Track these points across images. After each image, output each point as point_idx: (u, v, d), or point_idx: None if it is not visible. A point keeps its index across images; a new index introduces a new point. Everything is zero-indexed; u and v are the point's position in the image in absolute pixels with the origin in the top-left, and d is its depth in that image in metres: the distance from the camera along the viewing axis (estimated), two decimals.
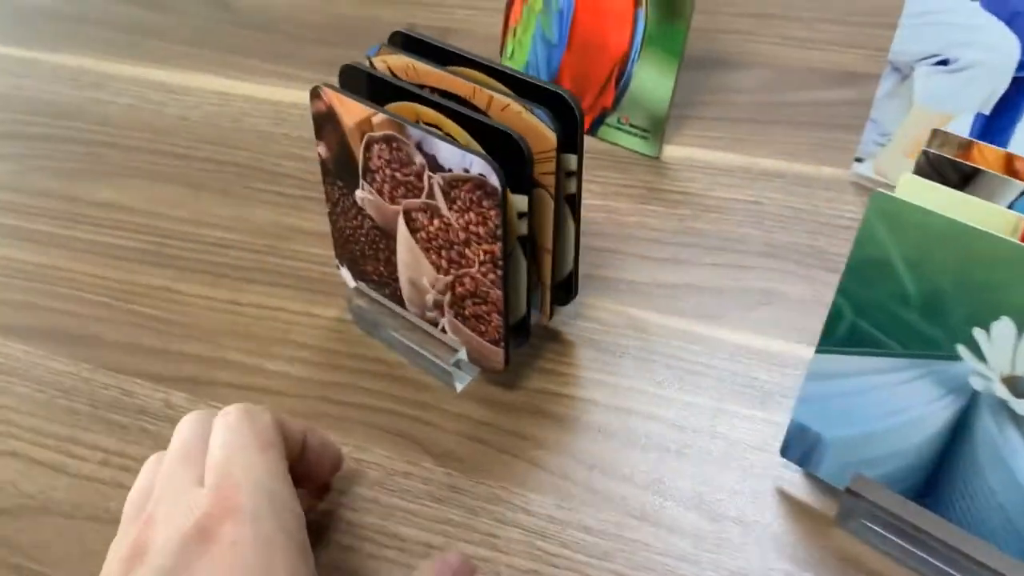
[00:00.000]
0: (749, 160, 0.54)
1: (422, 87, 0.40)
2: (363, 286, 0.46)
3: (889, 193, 0.31)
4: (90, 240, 0.53)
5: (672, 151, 0.55)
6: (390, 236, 0.42)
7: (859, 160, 0.51)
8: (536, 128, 0.37)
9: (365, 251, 0.44)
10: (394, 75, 0.41)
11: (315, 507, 0.39)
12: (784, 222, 0.50)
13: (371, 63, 0.42)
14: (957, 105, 0.46)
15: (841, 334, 0.34)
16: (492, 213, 0.37)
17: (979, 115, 0.46)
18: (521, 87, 0.39)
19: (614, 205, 0.52)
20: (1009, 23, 0.43)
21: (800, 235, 0.49)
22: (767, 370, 0.43)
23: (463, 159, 0.36)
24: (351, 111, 0.40)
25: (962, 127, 0.46)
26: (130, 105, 0.64)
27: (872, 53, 0.60)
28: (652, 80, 0.53)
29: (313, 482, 0.38)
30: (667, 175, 0.53)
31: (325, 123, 0.41)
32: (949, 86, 0.46)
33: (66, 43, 0.71)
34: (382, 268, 0.44)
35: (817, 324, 0.45)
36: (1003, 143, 0.45)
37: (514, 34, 0.57)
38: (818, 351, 0.35)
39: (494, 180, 0.35)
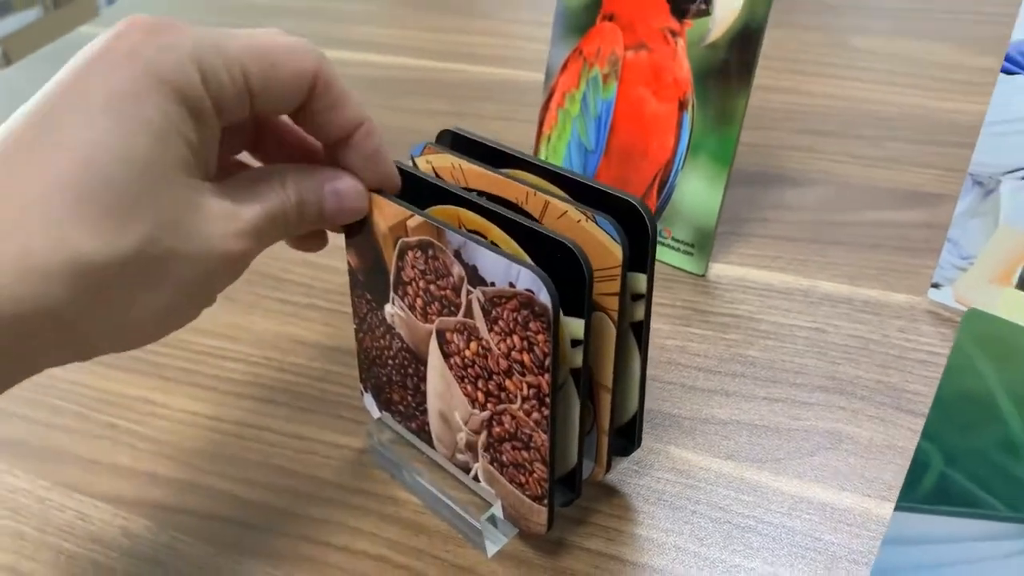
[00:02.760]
0: (808, 283, 0.47)
1: (469, 191, 0.35)
2: (388, 418, 0.40)
3: (987, 312, 0.25)
4: None
5: (720, 270, 0.49)
6: (421, 360, 0.36)
7: (936, 286, 0.44)
8: (599, 240, 0.31)
9: (392, 376, 0.38)
10: (438, 176, 0.36)
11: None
12: (850, 353, 0.43)
13: (414, 163, 0.37)
14: None
15: (927, 488, 0.27)
16: (540, 338, 0.30)
17: None
18: (583, 193, 0.33)
19: (653, 326, 0.46)
20: None
21: (869, 368, 0.42)
22: (832, 529, 0.35)
23: (508, 270, 0.30)
24: (385, 213, 0.35)
25: None
26: None
27: (943, 173, 0.55)
28: (698, 191, 0.48)
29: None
30: (714, 295, 0.47)
31: (356, 226, 0.37)
32: None
33: None
34: (410, 397, 0.38)
35: (890, 474, 0.38)
36: None
37: (548, 140, 0.53)
38: (898, 508, 0.28)
39: (544, 297, 0.29)
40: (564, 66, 0.51)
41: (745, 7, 0.44)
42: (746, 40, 0.44)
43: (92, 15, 1.69)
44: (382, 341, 0.38)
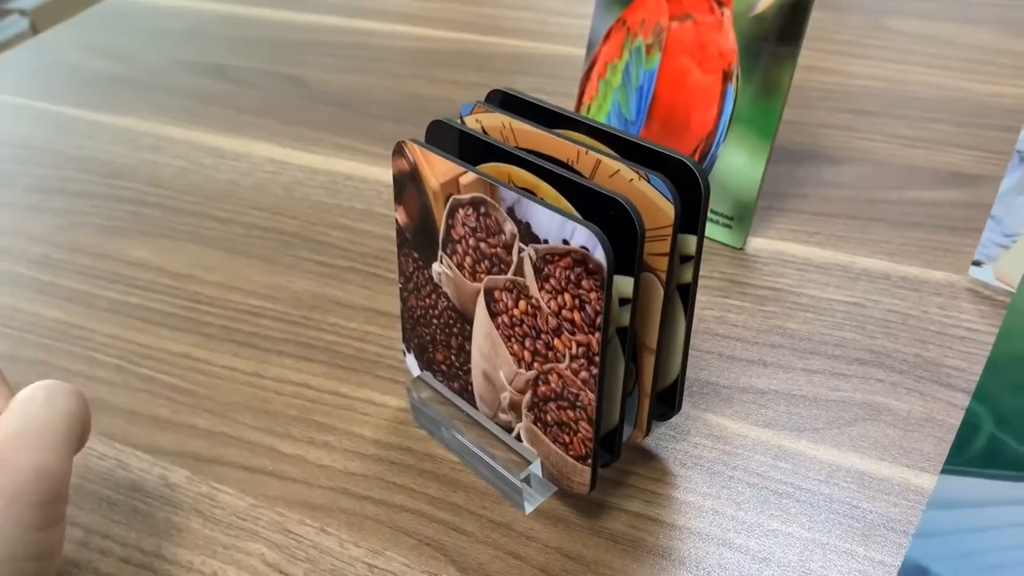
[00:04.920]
0: (848, 258, 0.47)
1: (519, 150, 0.35)
2: (428, 376, 0.40)
3: None
4: (114, 299, 0.49)
5: (759, 244, 0.49)
6: (467, 320, 0.36)
7: (977, 264, 0.44)
8: (651, 199, 0.31)
9: (437, 336, 0.39)
10: (486, 135, 0.36)
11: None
12: (889, 328, 0.43)
13: (463, 122, 0.37)
14: None
15: (977, 450, 0.27)
16: (592, 296, 0.30)
17: None
18: (636, 152, 0.33)
19: None
20: None
21: (909, 343, 0.42)
22: (870, 498, 0.35)
23: (563, 227, 0.30)
24: (437, 170, 0.35)
25: None
26: (183, 168, 0.61)
27: (984, 155, 0.54)
28: (740, 163, 0.47)
29: None
30: (753, 268, 0.47)
31: (406, 184, 0.36)
32: None
33: (133, 108, 0.69)
34: (453, 357, 0.38)
35: (930, 446, 0.37)
36: None
37: (588, 110, 0.53)
38: (945, 471, 0.28)
39: (599, 255, 0.29)
40: (607, 36, 0.51)
41: None
42: (794, 11, 0.44)
43: None
44: (428, 300, 0.38)
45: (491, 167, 0.35)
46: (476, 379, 0.37)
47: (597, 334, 0.31)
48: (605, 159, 0.33)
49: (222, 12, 0.85)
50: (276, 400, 0.42)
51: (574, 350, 0.32)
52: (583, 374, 0.32)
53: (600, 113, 0.53)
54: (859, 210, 0.51)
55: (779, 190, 0.53)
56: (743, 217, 0.48)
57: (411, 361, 0.41)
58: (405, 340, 0.41)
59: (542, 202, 0.31)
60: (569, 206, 0.32)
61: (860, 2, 0.73)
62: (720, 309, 0.45)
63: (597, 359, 0.31)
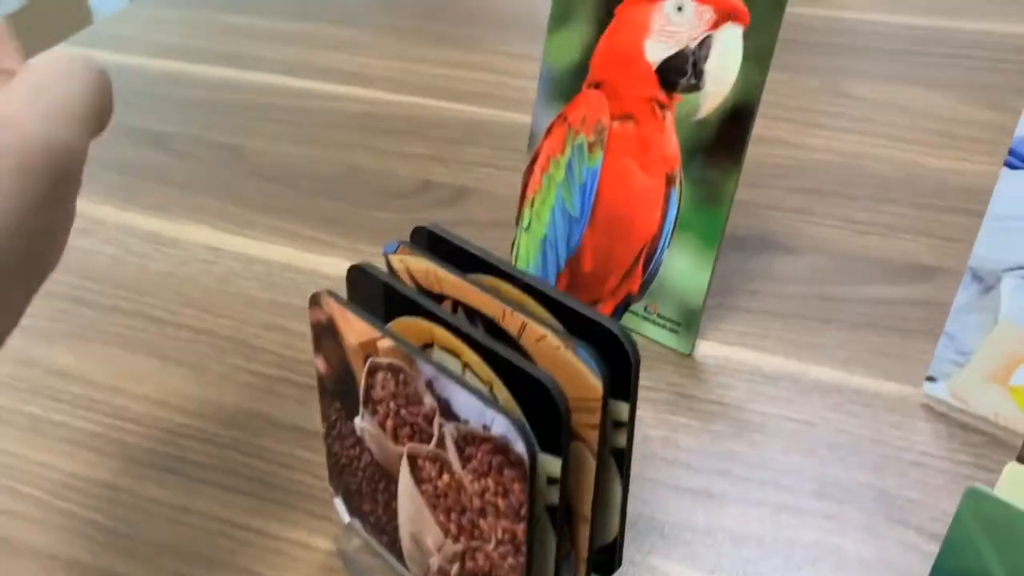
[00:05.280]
0: (799, 367, 0.46)
1: (444, 298, 0.33)
2: (357, 525, 0.38)
3: (989, 491, 0.23)
4: (38, 416, 0.47)
5: (708, 349, 0.47)
6: (392, 479, 0.34)
7: (931, 379, 0.43)
8: (578, 370, 0.29)
9: (363, 488, 0.36)
10: (414, 279, 0.34)
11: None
12: (841, 452, 0.41)
13: (388, 262, 0.35)
14: None
15: None
16: (515, 487, 0.28)
17: None
18: (564, 312, 0.31)
19: (637, 412, 0.44)
20: None
21: (861, 470, 0.40)
22: None
23: (482, 413, 0.28)
24: (354, 328, 0.33)
25: None
26: (115, 257, 0.58)
27: (941, 244, 0.53)
28: (685, 269, 0.46)
29: None
30: (701, 379, 0.46)
31: (324, 335, 0.34)
32: None
33: None
34: (381, 511, 0.36)
35: None
36: None
37: (531, 204, 0.51)
38: None
39: (520, 448, 0.27)
40: (549, 131, 0.49)
41: (737, 86, 0.42)
42: (736, 120, 0.42)
43: None
44: (352, 451, 0.36)
45: (414, 324, 0.33)
46: (404, 538, 0.35)
47: (522, 524, 0.29)
48: (531, 323, 0.31)
49: (158, 70, 0.82)
50: (202, 540, 0.40)
51: (499, 535, 0.30)
52: (510, 560, 0.30)
53: (544, 207, 0.51)
54: (811, 309, 0.49)
55: (729, 285, 0.51)
56: (690, 323, 0.46)
57: (339, 505, 0.39)
58: (332, 483, 0.39)
59: (461, 380, 0.29)
60: (492, 374, 0.30)
61: (819, 63, 0.71)
62: (666, 428, 0.43)
63: (524, 548, 0.29)
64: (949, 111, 0.64)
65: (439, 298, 0.33)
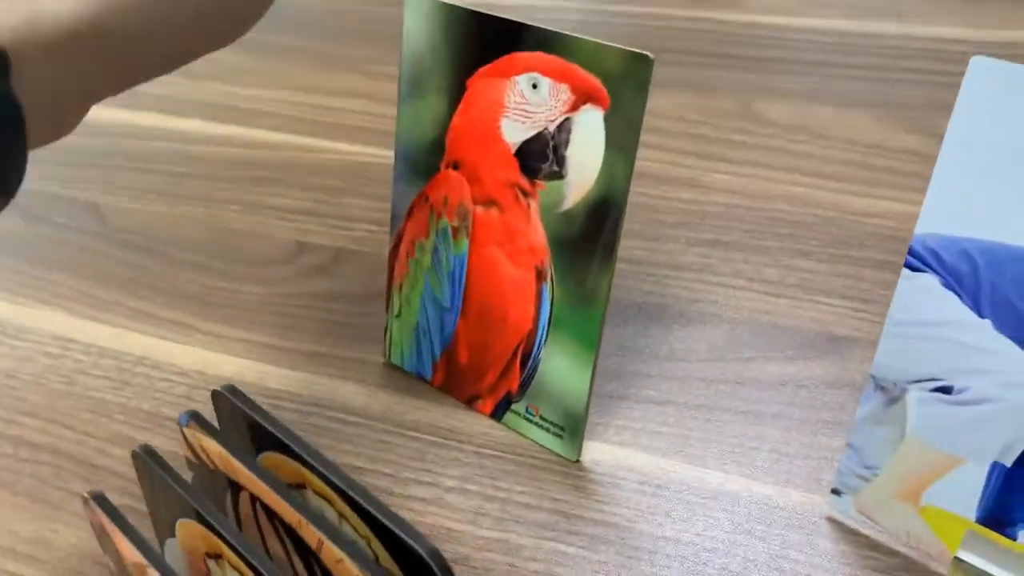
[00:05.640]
0: (696, 473, 0.41)
1: (240, 488, 0.28)
2: None
3: None
4: None
5: (597, 452, 0.42)
6: None
7: (836, 492, 0.38)
8: None
9: None
10: (208, 457, 0.29)
11: None
12: None
13: (184, 434, 0.30)
14: (966, 447, 0.34)
15: None
16: None
17: (997, 465, 0.33)
18: (375, 522, 0.27)
19: (515, 541, 0.39)
20: None
21: None
22: None
23: None
24: (120, 544, 0.27)
25: (975, 477, 0.34)
26: None
27: (855, 309, 0.47)
28: (564, 371, 0.41)
29: None
30: (587, 492, 0.41)
31: (103, 536, 0.29)
32: (954, 422, 0.34)
33: None
34: None
35: None
36: None
37: (400, 290, 0.46)
38: None
39: None
40: (411, 211, 0.44)
41: (601, 178, 0.36)
42: (603, 214, 0.37)
43: None
44: None
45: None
46: None
47: None
48: (327, 542, 0.25)
49: None
50: None
51: None
52: None
53: (414, 294, 0.45)
54: (709, 396, 0.44)
55: (623, 368, 0.46)
56: (574, 429, 0.41)
57: None
58: None
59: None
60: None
61: (731, 80, 0.65)
62: (547, 561, 0.38)
63: None
64: (868, 135, 0.58)
65: (235, 487, 0.28)
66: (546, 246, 0.39)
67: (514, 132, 0.38)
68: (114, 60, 0.30)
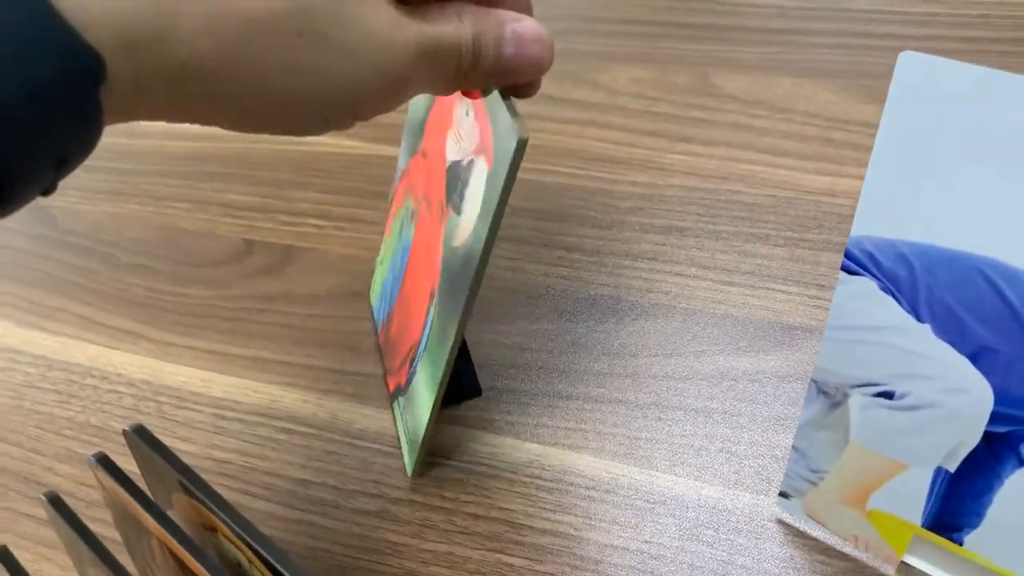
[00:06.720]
0: (645, 476, 0.40)
1: (142, 532, 0.27)
2: None
3: None
4: None
5: (548, 456, 0.41)
6: None
7: (784, 495, 0.37)
8: None
9: None
10: (117, 502, 0.28)
11: None
12: None
13: (96, 475, 0.29)
14: (910, 453, 0.33)
15: None
16: None
17: (941, 470, 0.32)
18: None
19: (461, 554, 0.38)
20: (974, 359, 0.30)
21: None
22: None
23: None
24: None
25: (920, 482, 0.33)
26: None
27: (812, 296, 0.46)
28: (423, 394, 0.40)
29: None
30: (535, 500, 0.40)
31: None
32: (896, 427, 0.33)
33: None
34: None
35: None
36: (977, 513, 0.32)
37: (386, 241, 0.47)
38: None
39: None
40: (404, 175, 0.44)
41: (474, 230, 0.34)
42: (468, 266, 0.34)
43: None
44: None
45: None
46: None
47: None
48: None
49: None
50: None
51: None
52: None
53: (389, 252, 0.46)
54: (660, 393, 0.43)
55: (572, 366, 0.45)
56: (413, 447, 0.40)
57: None
58: None
59: None
60: None
61: (688, 53, 0.63)
62: (493, 573, 0.38)
63: None
64: (828, 108, 0.56)
65: (139, 532, 0.27)
66: (439, 272, 0.38)
67: (451, 150, 0.37)
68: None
